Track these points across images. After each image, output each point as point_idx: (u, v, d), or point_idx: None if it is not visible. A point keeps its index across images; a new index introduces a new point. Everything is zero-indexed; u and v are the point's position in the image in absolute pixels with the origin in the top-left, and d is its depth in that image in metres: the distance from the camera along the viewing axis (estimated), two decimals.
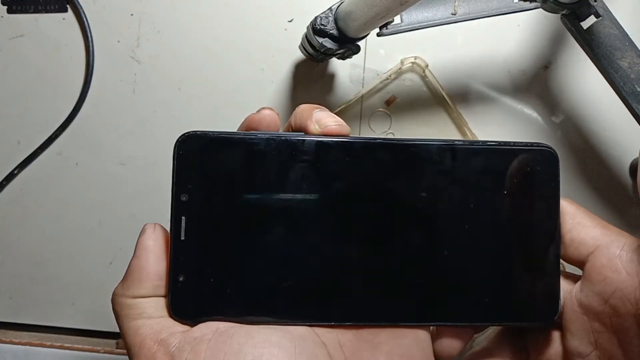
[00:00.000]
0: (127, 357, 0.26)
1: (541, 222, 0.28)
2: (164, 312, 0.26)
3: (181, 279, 0.26)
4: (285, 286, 0.27)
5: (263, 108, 0.28)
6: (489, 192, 0.28)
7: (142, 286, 0.26)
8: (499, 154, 0.28)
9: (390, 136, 0.44)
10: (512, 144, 0.28)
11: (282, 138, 0.27)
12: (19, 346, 0.46)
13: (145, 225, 0.27)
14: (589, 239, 0.27)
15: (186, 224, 0.26)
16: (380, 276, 0.27)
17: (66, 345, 0.46)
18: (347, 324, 0.27)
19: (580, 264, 0.28)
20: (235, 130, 0.29)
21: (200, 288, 0.26)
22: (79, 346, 0.46)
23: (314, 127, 0.27)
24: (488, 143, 0.28)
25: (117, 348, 0.45)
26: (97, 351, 0.45)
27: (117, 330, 0.48)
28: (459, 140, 0.28)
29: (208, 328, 0.25)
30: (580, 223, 0.28)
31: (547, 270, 0.27)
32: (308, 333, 0.26)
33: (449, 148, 0.28)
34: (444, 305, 0.27)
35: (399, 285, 0.27)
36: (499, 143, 0.28)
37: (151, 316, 0.26)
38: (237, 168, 0.27)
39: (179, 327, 0.26)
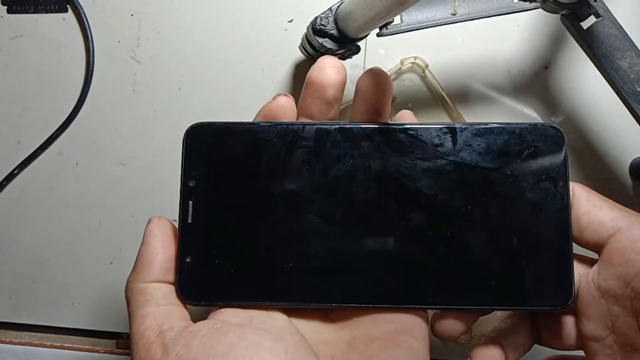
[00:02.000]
0: (127, 357, 0.26)
1: (550, 202, 0.27)
2: (172, 299, 0.27)
3: (188, 260, 0.28)
4: (288, 269, 0.27)
5: (278, 95, 0.30)
6: (494, 172, 0.27)
7: (152, 269, 0.27)
8: (502, 134, 0.28)
9: None
10: (515, 124, 0.28)
11: (284, 125, 0.28)
12: (19, 346, 0.46)
13: (151, 217, 0.29)
14: (608, 220, 0.27)
15: (193, 208, 0.28)
16: (385, 259, 0.27)
17: (66, 345, 0.46)
18: (351, 305, 0.27)
19: (598, 247, 0.27)
20: (247, 120, 0.30)
21: (206, 270, 0.28)
22: (79, 346, 0.45)
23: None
24: (490, 124, 0.28)
25: (117, 348, 0.45)
26: (97, 351, 0.45)
27: (117, 330, 0.48)
28: (460, 123, 0.28)
29: (205, 324, 0.26)
30: (597, 205, 0.27)
31: (559, 252, 0.27)
32: (301, 342, 0.27)
33: (451, 130, 0.28)
34: (451, 289, 0.27)
35: (405, 268, 0.27)
36: (502, 124, 0.28)
37: (158, 303, 0.27)
38: (242, 155, 0.28)
39: (180, 322, 0.26)
